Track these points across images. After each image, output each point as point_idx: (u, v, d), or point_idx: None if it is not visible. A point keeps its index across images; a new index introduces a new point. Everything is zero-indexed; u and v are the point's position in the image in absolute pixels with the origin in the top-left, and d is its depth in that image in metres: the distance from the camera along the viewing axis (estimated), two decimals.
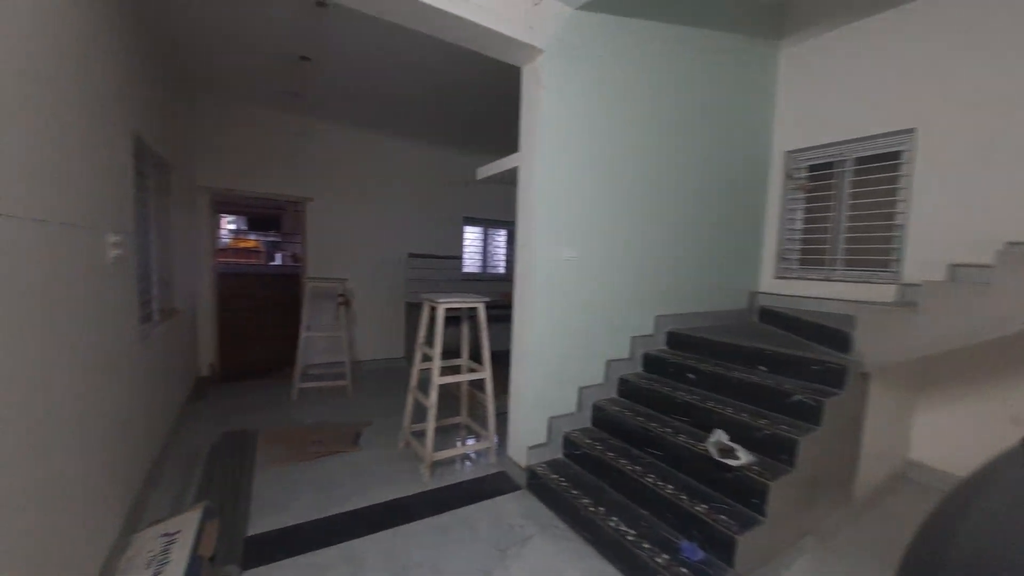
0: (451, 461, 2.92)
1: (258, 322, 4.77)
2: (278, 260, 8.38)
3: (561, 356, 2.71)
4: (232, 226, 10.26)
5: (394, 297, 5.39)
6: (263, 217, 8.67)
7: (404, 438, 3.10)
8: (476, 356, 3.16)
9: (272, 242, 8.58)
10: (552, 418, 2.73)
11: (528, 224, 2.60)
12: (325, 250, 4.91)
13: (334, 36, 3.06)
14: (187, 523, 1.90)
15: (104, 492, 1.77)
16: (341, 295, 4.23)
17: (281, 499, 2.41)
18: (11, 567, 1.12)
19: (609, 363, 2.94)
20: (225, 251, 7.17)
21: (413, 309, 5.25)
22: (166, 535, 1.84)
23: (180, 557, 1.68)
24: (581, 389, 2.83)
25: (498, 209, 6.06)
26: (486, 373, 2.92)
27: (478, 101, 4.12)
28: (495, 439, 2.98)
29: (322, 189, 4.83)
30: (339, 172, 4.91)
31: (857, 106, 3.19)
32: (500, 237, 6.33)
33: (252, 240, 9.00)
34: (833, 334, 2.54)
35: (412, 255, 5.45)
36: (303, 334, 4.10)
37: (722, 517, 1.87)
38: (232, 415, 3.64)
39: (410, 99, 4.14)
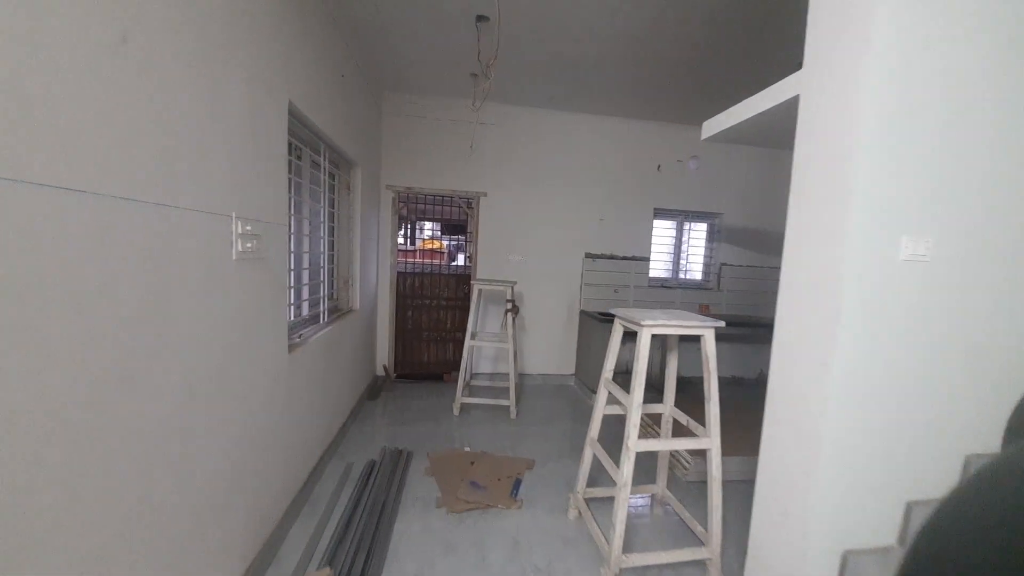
0: (644, 570, 1.93)
1: (434, 322, 4.60)
2: (460, 260, 8.68)
3: (882, 442, 1.44)
4: (428, 232, 11.40)
5: (566, 304, 4.63)
6: (455, 224, 9.12)
7: (575, 504, 2.25)
8: (679, 398, 2.10)
9: (456, 243, 8.93)
10: (849, 553, 1.48)
11: (825, 197, 1.42)
12: (496, 249, 4.46)
13: None
14: None
15: (234, 524, 1.39)
16: (509, 300, 3.66)
17: (414, 568, 1.82)
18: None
19: (969, 458, 1.51)
20: (412, 252, 7.69)
21: (588, 320, 4.40)
22: None
23: None
24: (910, 505, 1.50)
25: (697, 196, 4.73)
26: (712, 442, 1.84)
27: (682, 43, 3.00)
28: (718, 549, 1.87)
29: (496, 183, 4.38)
30: (514, 162, 4.40)
31: None
32: (698, 232, 4.98)
33: (437, 241, 9.63)
34: None
35: (589, 255, 4.60)
36: (468, 343, 3.65)
37: None
38: (395, 426, 3.40)
39: (597, 59, 3.29)
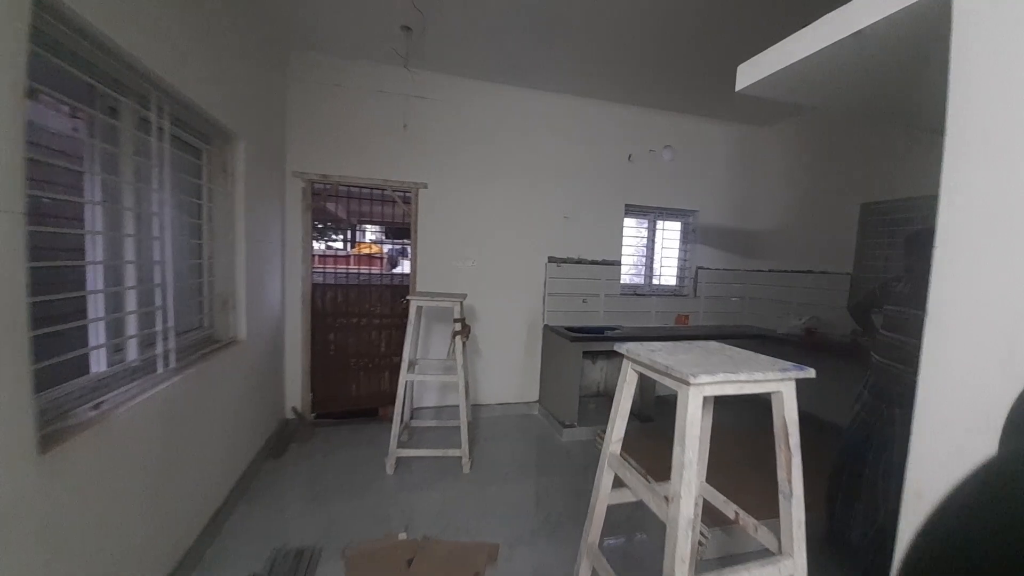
0: None
1: (366, 345, 3.66)
2: (404, 267, 7.64)
3: None
4: (371, 236, 10.08)
5: (528, 319, 3.87)
6: (401, 228, 8.08)
7: None
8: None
9: (401, 248, 7.86)
10: None
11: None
12: (441, 254, 3.61)
13: None
14: None
15: None
16: (458, 320, 2.83)
17: None
18: None
19: None
20: (345, 258, 6.55)
21: (553, 338, 3.67)
22: None
23: None
24: None
25: (672, 192, 4.17)
26: (796, 564, 1.12)
27: (669, 13, 2.36)
28: None
29: (439, 172, 3.54)
30: (461, 147, 3.58)
31: None
32: (672, 233, 4.42)
33: (374, 245, 8.52)
34: None
35: (553, 259, 3.88)
36: (404, 376, 2.77)
37: None
38: (303, 502, 2.45)
39: (562, 16, 2.58)
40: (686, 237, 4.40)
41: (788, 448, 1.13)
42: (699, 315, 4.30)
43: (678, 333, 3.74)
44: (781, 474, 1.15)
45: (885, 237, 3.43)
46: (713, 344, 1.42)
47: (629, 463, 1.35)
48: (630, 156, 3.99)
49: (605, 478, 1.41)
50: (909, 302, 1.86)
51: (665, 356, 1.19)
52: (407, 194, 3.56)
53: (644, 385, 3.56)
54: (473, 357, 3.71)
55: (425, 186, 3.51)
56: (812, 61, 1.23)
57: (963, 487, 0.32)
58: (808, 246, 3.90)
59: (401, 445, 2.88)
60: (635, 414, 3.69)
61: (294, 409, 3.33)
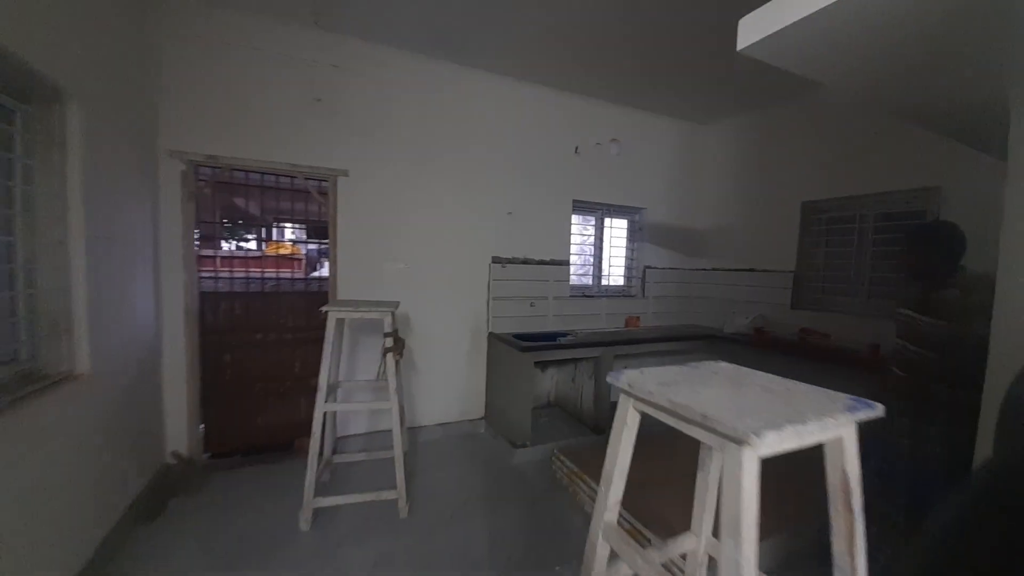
0: None
1: (274, 365, 3.01)
2: (325, 271, 6.78)
3: None
4: (291, 236, 8.79)
5: (471, 327, 3.45)
6: (324, 226, 7.17)
7: None
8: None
9: (320, 248, 6.97)
10: None
11: None
12: (367, 254, 3.08)
13: None
14: None
15: None
16: (389, 334, 2.34)
17: None
18: None
19: None
20: (259, 260, 5.59)
21: (499, 347, 3.29)
22: None
23: None
24: None
25: (619, 188, 3.97)
26: None
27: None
28: None
29: (362, 158, 3.00)
30: (389, 130, 3.06)
31: None
32: (619, 231, 4.23)
33: (290, 245, 7.55)
34: None
35: (498, 260, 3.49)
36: (320, 406, 2.23)
37: None
38: None
39: None
40: (633, 236, 4.24)
41: (850, 511, 0.84)
42: (648, 316, 4.16)
43: (635, 336, 3.53)
44: (838, 545, 0.86)
45: (823, 236, 3.48)
46: (726, 366, 1.12)
47: (633, 533, 1.00)
48: (576, 148, 3.72)
49: (599, 554, 1.05)
50: (918, 307, 1.74)
51: (689, 394, 0.86)
52: (323, 183, 2.97)
53: (599, 392, 3.30)
54: (408, 373, 3.22)
55: (345, 174, 2.96)
56: (842, 13, 0.96)
57: (961, 490, 0.32)
58: (750, 244, 3.89)
59: (321, 489, 2.34)
60: (584, 423, 3.43)
61: (174, 453, 2.61)
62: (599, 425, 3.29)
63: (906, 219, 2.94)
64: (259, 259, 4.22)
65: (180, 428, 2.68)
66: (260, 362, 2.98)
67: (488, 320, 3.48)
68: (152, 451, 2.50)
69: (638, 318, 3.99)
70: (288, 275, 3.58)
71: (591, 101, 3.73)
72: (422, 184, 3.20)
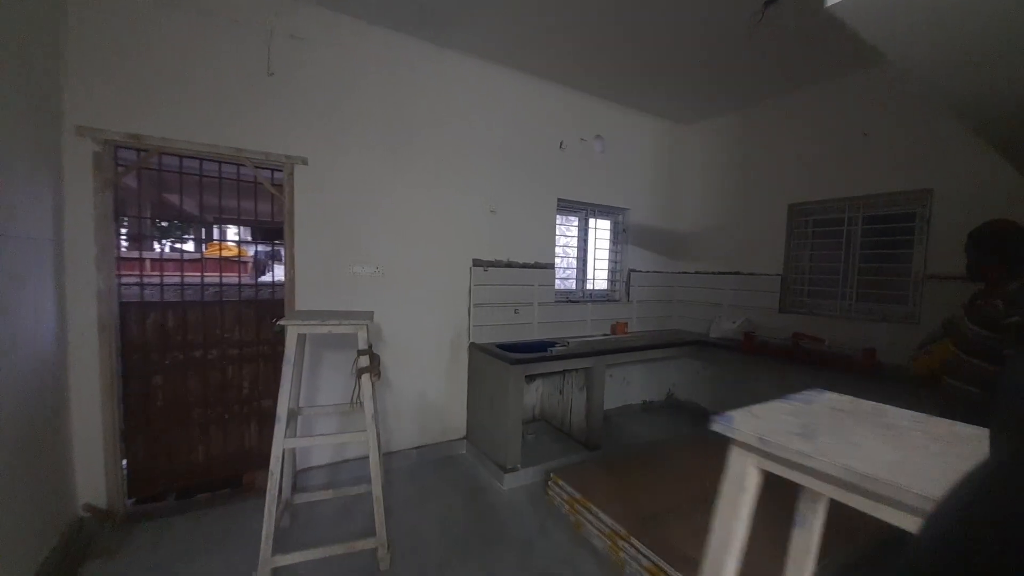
0: None
1: (216, 387, 2.53)
2: (279, 275, 6.05)
3: None
4: (236, 238, 7.72)
5: (450, 337, 3.11)
6: (274, 228, 6.46)
7: None
8: None
9: (272, 249, 6.23)
10: None
11: None
12: (331, 256, 2.67)
13: None
14: None
15: None
16: (364, 351, 1.97)
17: None
18: None
19: None
20: (197, 263, 4.88)
21: (481, 358, 2.98)
22: None
23: None
24: None
25: (604, 187, 3.77)
26: None
27: None
28: None
29: (324, 144, 2.59)
30: (356, 113, 2.67)
31: None
32: (602, 232, 4.03)
33: (233, 247, 6.80)
34: None
35: (479, 263, 3.18)
36: (279, 443, 1.82)
37: None
38: None
39: None
40: (616, 237, 4.06)
41: None
42: (633, 321, 3.99)
43: (625, 344, 3.32)
44: None
45: (810, 239, 3.44)
46: (838, 398, 0.88)
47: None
48: (561, 143, 3.48)
49: None
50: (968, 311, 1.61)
51: (846, 449, 0.60)
52: (276, 172, 2.54)
53: (592, 405, 3.06)
54: (383, 392, 2.84)
55: (304, 162, 2.54)
56: None
57: (957, 494, 0.29)
58: (736, 247, 3.81)
59: (281, 539, 1.92)
60: (575, 439, 3.19)
61: (87, 506, 2.09)
62: (591, 440, 3.05)
63: (896, 221, 2.92)
64: (197, 262, 3.64)
65: (95, 471, 2.16)
66: (199, 384, 2.49)
67: (469, 329, 3.16)
68: (58, 505, 1.97)
69: (625, 324, 3.80)
70: (234, 280, 3.06)
71: (576, 94, 3.51)
72: (394, 176, 2.83)
